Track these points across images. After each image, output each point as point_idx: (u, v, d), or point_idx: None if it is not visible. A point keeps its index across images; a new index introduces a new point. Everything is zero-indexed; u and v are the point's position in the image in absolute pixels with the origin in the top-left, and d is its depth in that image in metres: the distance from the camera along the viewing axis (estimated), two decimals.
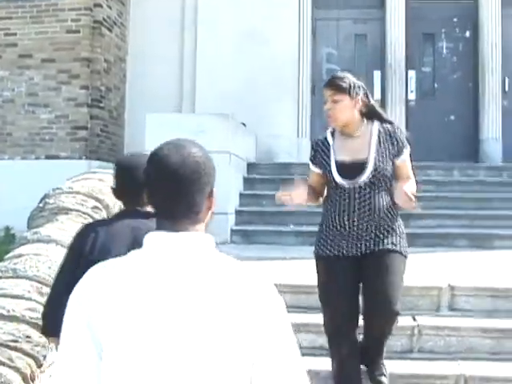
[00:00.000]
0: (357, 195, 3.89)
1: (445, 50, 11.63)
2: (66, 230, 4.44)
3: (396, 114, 11.23)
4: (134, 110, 11.31)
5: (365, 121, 3.98)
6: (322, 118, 11.93)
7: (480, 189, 9.46)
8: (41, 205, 5.10)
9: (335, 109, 3.89)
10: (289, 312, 1.78)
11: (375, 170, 3.87)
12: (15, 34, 10.83)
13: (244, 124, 10.34)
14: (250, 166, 10.04)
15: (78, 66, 10.66)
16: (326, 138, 4.07)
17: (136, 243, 2.61)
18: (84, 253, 2.74)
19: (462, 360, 4.91)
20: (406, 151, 3.98)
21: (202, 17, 11.57)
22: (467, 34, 11.64)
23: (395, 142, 3.94)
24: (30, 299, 3.83)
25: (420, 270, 6.24)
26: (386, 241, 3.95)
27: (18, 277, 4.04)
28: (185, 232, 1.73)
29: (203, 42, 11.50)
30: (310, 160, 4.14)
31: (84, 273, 2.51)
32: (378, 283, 3.90)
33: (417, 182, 4.00)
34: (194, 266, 1.69)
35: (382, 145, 3.92)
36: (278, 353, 1.68)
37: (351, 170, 3.89)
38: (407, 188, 3.74)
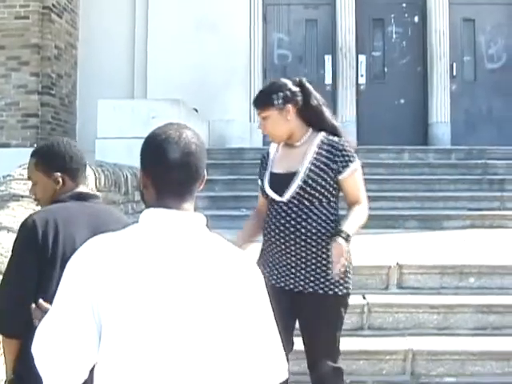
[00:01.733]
0: (283, 213, 3.45)
1: (394, 35, 11.80)
2: (17, 216, 4.42)
3: (347, 98, 11.38)
4: (86, 96, 11.22)
5: (310, 130, 3.55)
6: None
7: (429, 171, 9.64)
8: None
9: (267, 126, 3.52)
10: None
11: (304, 182, 3.41)
12: None
13: (196, 110, 10.36)
14: None
15: (28, 53, 10.51)
16: (268, 150, 3.72)
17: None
18: (46, 247, 2.51)
19: (411, 336, 5.07)
20: (353, 165, 3.46)
21: (153, 3, 11.54)
22: (416, 19, 11.81)
23: (338, 156, 3.45)
24: None
25: (370, 250, 6.37)
26: (319, 280, 3.40)
27: None
28: (185, 211, 1.85)
29: (154, 28, 11.47)
30: (258, 175, 3.72)
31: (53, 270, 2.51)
32: (311, 341, 3.51)
33: (369, 199, 3.55)
34: (194, 243, 1.82)
35: (320, 157, 3.45)
36: (258, 322, 1.84)
37: (282, 182, 3.48)
38: (342, 249, 3.19)
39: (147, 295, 1.73)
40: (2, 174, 5.50)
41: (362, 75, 11.62)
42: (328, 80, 11.57)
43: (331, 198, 3.47)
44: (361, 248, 6.51)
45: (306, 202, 3.43)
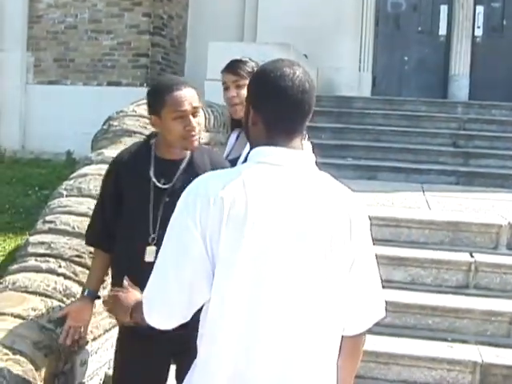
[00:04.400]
0: None
1: None
2: None
3: (461, 50, 10.97)
4: (196, 38, 11.27)
5: None
6: (385, 51, 11.79)
7: None
8: (105, 127, 5.16)
9: (241, 96, 3.21)
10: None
11: None
12: None
13: (306, 56, 10.22)
14: None
15: None
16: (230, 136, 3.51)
17: None
18: None
19: None
20: None
21: None
22: None
23: None
24: None
25: (478, 207, 6.19)
26: None
27: (82, 195, 4.11)
28: (295, 149, 1.84)
29: None
30: None
31: None
32: None
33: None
34: (306, 180, 1.81)
35: None
36: (366, 259, 1.87)
37: None
38: None
39: (260, 232, 1.71)
40: (114, 111, 5.59)
41: (478, 27, 11.12)
42: (442, 31, 11.16)
43: None
44: (468, 205, 6.34)
45: None
